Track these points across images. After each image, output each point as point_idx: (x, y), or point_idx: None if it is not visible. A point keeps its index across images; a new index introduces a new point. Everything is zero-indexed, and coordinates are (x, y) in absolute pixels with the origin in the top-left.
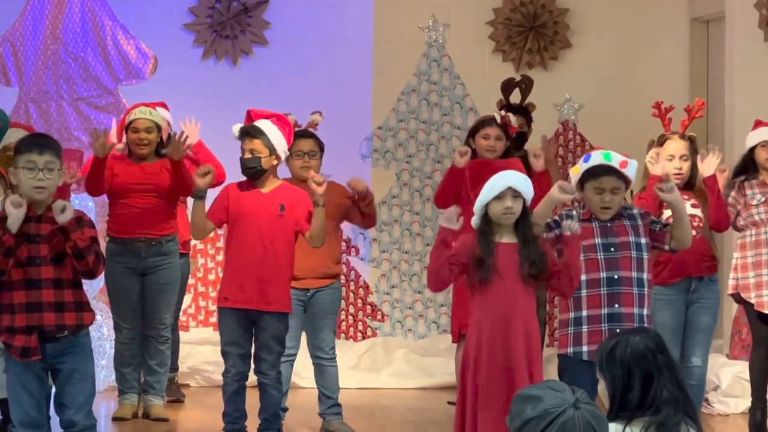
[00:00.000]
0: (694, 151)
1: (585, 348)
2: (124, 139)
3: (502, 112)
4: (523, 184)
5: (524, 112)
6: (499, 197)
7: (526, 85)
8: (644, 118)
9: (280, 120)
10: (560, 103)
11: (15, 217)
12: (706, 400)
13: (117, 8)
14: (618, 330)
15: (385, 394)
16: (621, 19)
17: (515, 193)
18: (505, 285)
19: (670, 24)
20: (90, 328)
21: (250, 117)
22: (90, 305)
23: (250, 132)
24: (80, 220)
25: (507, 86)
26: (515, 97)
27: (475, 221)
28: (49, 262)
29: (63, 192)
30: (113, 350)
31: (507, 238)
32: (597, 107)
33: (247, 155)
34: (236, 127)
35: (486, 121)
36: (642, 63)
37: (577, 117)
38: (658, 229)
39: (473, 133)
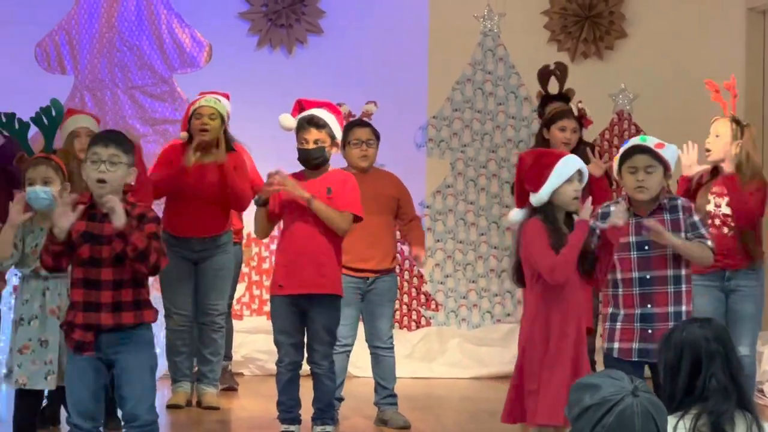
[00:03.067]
0: (741, 133)
1: (616, 345)
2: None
3: (579, 104)
4: (585, 167)
5: (564, 99)
6: (569, 180)
7: (561, 72)
8: (699, 108)
9: (331, 108)
10: (615, 93)
11: (60, 228)
12: (761, 390)
13: None
14: (650, 330)
15: (439, 383)
16: (676, 8)
17: (580, 177)
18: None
19: (726, 14)
20: None
21: (301, 106)
22: (150, 302)
23: (314, 121)
24: (142, 216)
25: (543, 75)
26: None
27: (518, 213)
28: (110, 264)
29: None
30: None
31: (563, 229)
32: (652, 97)
33: (311, 145)
34: (284, 117)
35: (564, 113)
36: (697, 53)
37: (632, 107)
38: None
39: (548, 123)
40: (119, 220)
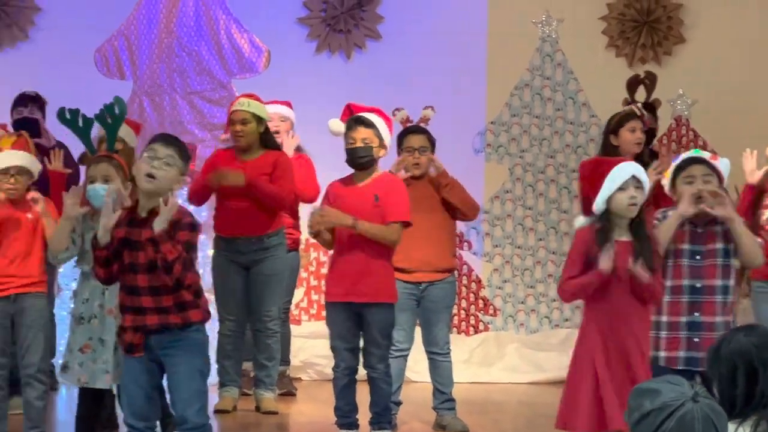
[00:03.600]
0: None
1: (662, 354)
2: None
3: (639, 105)
4: (644, 173)
5: (650, 108)
6: (623, 188)
7: (650, 81)
8: (758, 114)
9: (380, 114)
10: (673, 99)
11: (104, 228)
12: None
13: (231, 2)
14: (697, 339)
15: (497, 388)
16: (735, 13)
17: (637, 184)
18: (621, 284)
19: None
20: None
21: (351, 111)
22: (197, 302)
23: (361, 121)
24: (177, 223)
25: (632, 84)
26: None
27: (590, 218)
28: (144, 270)
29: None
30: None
31: (624, 236)
32: (710, 103)
33: (359, 143)
34: (334, 122)
35: (631, 115)
36: (756, 58)
37: (690, 113)
38: None
39: (617, 128)
40: (161, 224)
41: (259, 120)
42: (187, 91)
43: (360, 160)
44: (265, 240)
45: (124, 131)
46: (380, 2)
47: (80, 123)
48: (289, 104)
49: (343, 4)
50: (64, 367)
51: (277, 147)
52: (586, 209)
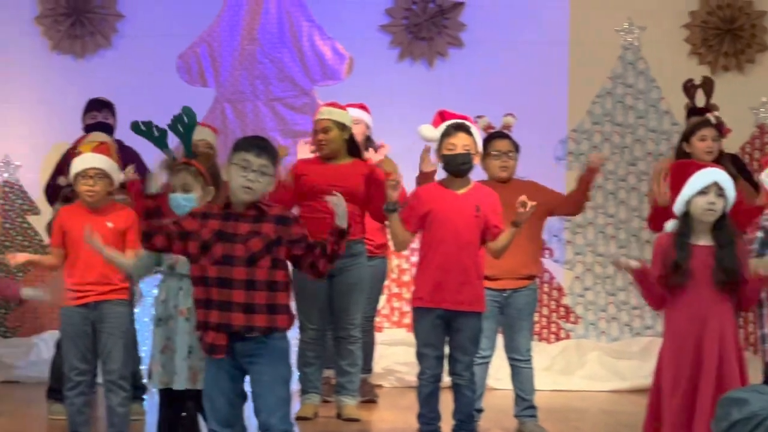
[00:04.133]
0: None
1: None
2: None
3: (716, 113)
4: (728, 182)
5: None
6: (703, 192)
7: (708, 86)
8: None
9: (470, 121)
10: (757, 107)
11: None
12: None
13: (313, 9)
14: None
15: (578, 396)
16: None
17: (719, 191)
18: (698, 290)
19: None
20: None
21: (443, 117)
22: (288, 308)
23: (462, 127)
24: (284, 219)
25: (689, 88)
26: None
27: (671, 224)
28: (243, 263)
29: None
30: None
31: (704, 241)
32: None
33: (460, 150)
34: (426, 127)
35: (703, 123)
36: None
37: None
38: None
39: (688, 135)
40: (343, 221)
41: (343, 127)
42: (269, 98)
43: (462, 167)
44: (352, 247)
45: (207, 134)
46: (463, 10)
47: (155, 133)
48: (364, 107)
49: (425, 11)
50: (150, 372)
51: (361, 154)
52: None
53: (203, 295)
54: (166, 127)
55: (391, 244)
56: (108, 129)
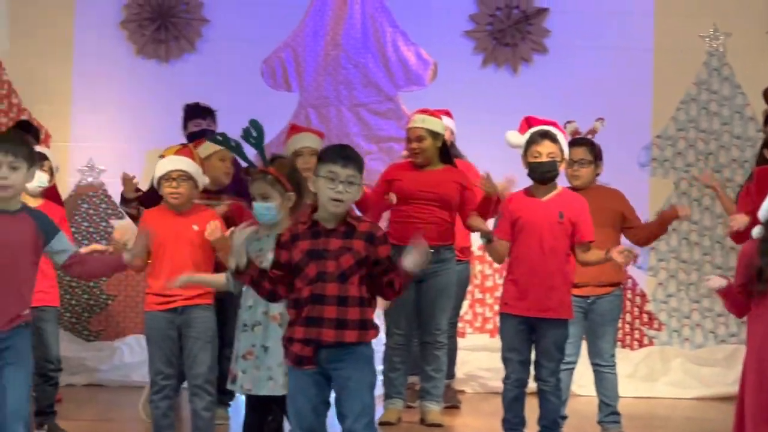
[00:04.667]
0: None
1: None
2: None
3: None
4: None
5: None
6: None
7: None
8: None
9: (557, 127)
10: None
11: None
12: None
13: (397, 15)
14: None
15: (661, 403)
16: None
17: None
18: None
19: None
20: None
21: (529, 124)
22: (374, 322)
23: (548, 135)
24: (372, 236)
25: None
26: None
27: (757, 230)
28: (335, 279)
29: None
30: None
31: None
32: None
33: (545, 158)
34: (512, 134)
35: None
36: None
37: None
38: None
39: None
40: (415, 266)
41: (435, 135)
42: (353, 104)
43: (546, 175)
44: (442, 252)
45: (312, 141)
46: (547, 16)
47: (232, 144)
48: (448, 113)
49: (510, 17)
50: (233, 377)
51: (452, 161)
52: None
53: (295, 315)
54: (239, 139)
55: (492, 258)
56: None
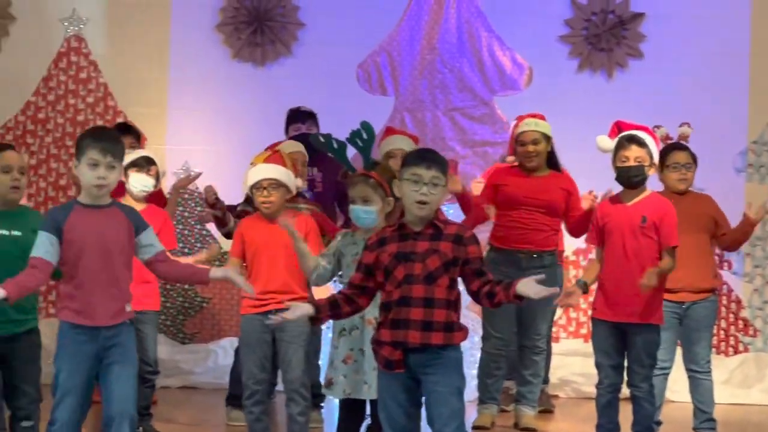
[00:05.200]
0: None
1: None
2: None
3: None
4: None
5: None
6: None
7: None
8: None
9: (648, 132)
10: None
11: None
12: None
13: (493, 19)
14: None
15: (756, 410)
16: None
17: None
18: None
19: None
20: None
21: (619, 128)
22: (461, 324)
23: (636, 139)
24: (461, 238)
25: None
26: None
27: None
28: (421, 281)
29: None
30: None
31: None
32: None
33: (632, 162)
34: (602, 138)
35: None
36: None
37: None
38: None
39: None
40: (529, 292)
41: (548, 139)
42: (448, 108)
43: (633, 180)
44: (545, 258)
45: (405, 143)
46: (643, 21)
47: (335, 145)
48: (542, 117)
49: (605, 22)
50: (329, 383)
51: (558, 166)
52: None
53: (383, 317)
54: (345, 141)
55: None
56: None
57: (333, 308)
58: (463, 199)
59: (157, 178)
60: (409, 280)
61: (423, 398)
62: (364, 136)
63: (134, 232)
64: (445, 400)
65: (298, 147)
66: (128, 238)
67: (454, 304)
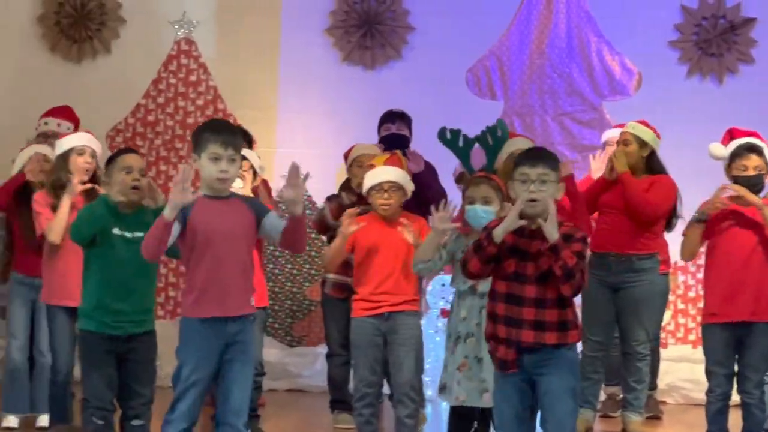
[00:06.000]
0: None
1: None
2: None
3: None
4: None
5: None
6: None
7: None
8: None
9: (759, 138)
10: None
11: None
12: None
13: (602, 24)
14: None
15: None
16: None
17: None
18: None
19: None
20: None
21: (731, 135)
22: (576, 323)
23: (754, 148)
24: (569, 236)
25: None
26: None
27: None
28: (533, 281)
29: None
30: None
31: None
32: None
33: (752, 172)
34: (715, 146)
35: None
36: None
37: None
38: None
39: None
40: (553, 235)
41: (642, 144)
42: (557, 113)
43: (753, 188)
44: (636, 261)
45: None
46: (754, 26)
47: (461, 143)
48: (645, 123)
49: (716, 27)
50: (443, 388)
51: (664, 172)
52: None
53: (491, 308)
54: (475, 138)
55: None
56: (402, 140)
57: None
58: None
59: (254, 174)
60: (521, 279)
61: (536, 402)
62: (500, 133)
63: (257, 219)
64: (559, 400)
65: (375, 150)
66: (250, 227)
67: (568, 302)
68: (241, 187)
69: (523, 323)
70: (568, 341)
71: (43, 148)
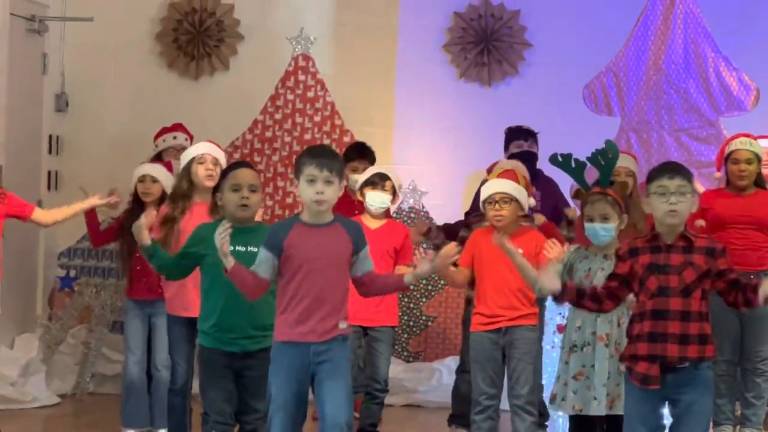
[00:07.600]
0: None
1: None
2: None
3: None
4: None
5: None
6: None
7: None
8: None
9: None
10: None
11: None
12: None
13: (719, 40)
14: None
15: None
16: None
17: None
18: None
19: None
20: None
21: None
22: (711, 337)
23: None
24: (713, 251)
25: None
26: None
27: None
28: (678, 294)
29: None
30: None
31: None
32: None
33: None
34: None
35: None
36: None
37: None
38: None
39: None
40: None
41: (759, 159)
42: (674, 128)
43: None
44: (762, 277)
45: (632, 162)
46: None
47: (573, 165)
48: (753, 137)
49: None
50: (554, 397)
51: (764, 185)
52: None
53: (638, 330)
54: (585, 160)
55: None
56: (533, 158)
57: (579, 295)
58: None
59: (394, 192)
60: (666, 292)
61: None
62: (610, 154)
63: (354, 248)
64: (698, 420)
65: (518, 165)
66: (347, 254)
67: (706, 316)
68: (388, 204)
69: (668, 337)
70: (706, 354)
71: (153, 168)
